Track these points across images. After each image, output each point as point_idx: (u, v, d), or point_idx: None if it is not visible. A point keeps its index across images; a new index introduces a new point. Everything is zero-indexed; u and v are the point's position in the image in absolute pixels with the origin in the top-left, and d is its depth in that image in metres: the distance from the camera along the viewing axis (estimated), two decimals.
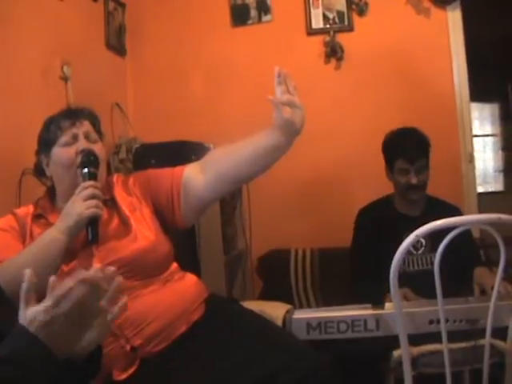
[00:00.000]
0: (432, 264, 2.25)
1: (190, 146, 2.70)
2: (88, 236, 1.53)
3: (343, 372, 1.82)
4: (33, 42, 2.45)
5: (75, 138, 1.66)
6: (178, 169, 1.75)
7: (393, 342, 1.62)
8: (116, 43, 3.27)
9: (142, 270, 1.58)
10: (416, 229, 1.52)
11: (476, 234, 2.78)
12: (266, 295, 3.03)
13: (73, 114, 1.71)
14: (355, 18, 3.25)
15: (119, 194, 1.72)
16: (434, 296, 1.54)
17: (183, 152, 2.53)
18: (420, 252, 2.33)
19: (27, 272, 1.06)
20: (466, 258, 2.28)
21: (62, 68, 2.63)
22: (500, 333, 1.63)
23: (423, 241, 2.32)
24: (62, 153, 1.65)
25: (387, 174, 2.44)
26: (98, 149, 1.68)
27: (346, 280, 2.46)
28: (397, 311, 1.56)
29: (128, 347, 1.48)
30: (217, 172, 1.69)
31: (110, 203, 1.69)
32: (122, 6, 3.33)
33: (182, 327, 1.56)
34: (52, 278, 1.06)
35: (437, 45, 3.19)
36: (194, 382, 1.44)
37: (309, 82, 2.95)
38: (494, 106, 6.39)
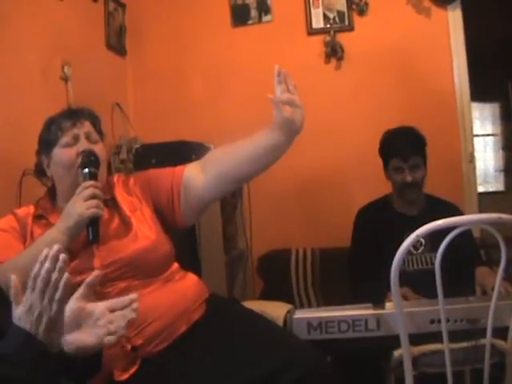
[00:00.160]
0: (431, 263, 2.26)
1: (191, 146, 2.70)
2: (89, 236, 1.53)
3: (344, 371, 1.83)
4: (33, 42, 2.45)
5: (76, 138, 1.66)
6: (178, 168, 1.75)
7: (393, 341, 1.62)
8: (116, 43, 3.27)
9: (143, 270, 1.58)
10: (415, 228, 1.52)
11: (477, 233, 2.78)
12: (267, 295, 3.03)
13: (73, 115, 1.71)
14: (355, 17, 3.25)
15: (120, 193, 1.72)
16: (434, 296, 1.54)
17: (183, 152, 2.53)
18: (419, 251, 2.33)
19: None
20: (466, 258, 2.27)
21: (63, 68, 2.63)
22: (501, 332, 1.63)
23: (423, 240, 2.31)
24: (63, 153, 1.65)
25: (385, 173, 2.45)
26: (99, 149, 1.69)
27: (346, 280, 2.46)
28: (397, 311, 1.56)
29: (129, 347, 1.48)
30: (217, 171, 1.69)
31: (111, 203, 1.69)
32: (122, 6, 3.33)
33: (183, 327, 1.56)
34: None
35: (437, 44, 3.18)
36: (194, 381, 1.44)
37: (309, 81, 2.95)
38: (494, 105, 6.39)
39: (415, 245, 2.29)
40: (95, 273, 1.20)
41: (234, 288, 3.19)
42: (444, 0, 3.17)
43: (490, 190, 6.26)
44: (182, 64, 3.42)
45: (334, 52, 3.24)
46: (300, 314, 1.73)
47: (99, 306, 1.16)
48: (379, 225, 2.38)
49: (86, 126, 1.69)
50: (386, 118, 2.89)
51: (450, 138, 3.19)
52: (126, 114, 3.26)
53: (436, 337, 1.62)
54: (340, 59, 3.25)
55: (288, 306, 2.37)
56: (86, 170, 1.60)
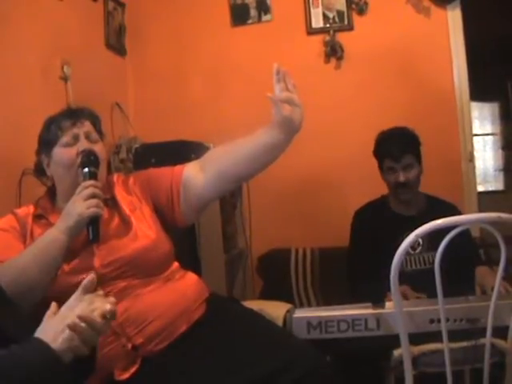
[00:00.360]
0: (429, 263, 2.27)
1: (190, 146, 2.70)
2: (89, 235, 1.53)
3: (344, 371, 1.83)
4: (33, 42, 2.45)
5: (76, 138, 1.66)
6: (177, 168, 1.75)
7: (393, 341, 1.62)
8: (116, 43, 3.27)
9: (143, 269, 1.58)
10: (412, 228, 1.52)
11: (476, 233, 2.78)
12: (267, 294, 3.03)
13: (73, 114, 1.71)
14: (355, 17, 3.25)
15: (119, 193, 1.72)
16: (433, 295, 1.54)
17: (183, 152, 2.53)
18: (417, 251, 2.33)
19: (53, 305, 1.14)
20: (465, 258, 2.27)
21: (62, 68, 2.63)
22: (500, 332, 1.63)
23: (420, 240, 2.31)
24: (63, 153, 1.65)
25: (380, 174, 2.45)
26: (99, 149, 1.68)
27: (346, 279, 2.46)
28: (397, 310, 1.56)
29: (129, 346, 1.49)
30: (216, 170, 1.69)
31: (111, 202, 1.69)
32: (122, 5, 3.33)
33: (183, 326, 1.56)
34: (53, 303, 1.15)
35: (437, 44, 3.18)
36: (194, 381, 1.44)
37: (309, 81, 2.95)
38: (494, 105, 6.40)
39: (413, 245, 2.29)
40: (90, 276, 1.20)
41: (233, 287, 3.19)
42: (443, 0, 3.17)
43: (490, 189, 6.27)
44: (181, 63, 3.42)
45: (333, 51, 3.24)
46: (300, 314, 1.73)
47: (79, 308, 1.13)
48: (377, 225, 2.38)
49: (86, 126, 1.69)
50: (385, 117, 2.89)
51: (450, 137, 3.19)
52: (126, 113, 3.25)
53: (436, 336, 1.62)
54: (339, 59, 3.25)
55: (288, 306, 2.37)
56: (86, 170, 1.60)
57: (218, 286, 2.62)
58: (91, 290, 1.19)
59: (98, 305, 1.12)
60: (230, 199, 3.12)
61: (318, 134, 3.00)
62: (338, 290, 2.50)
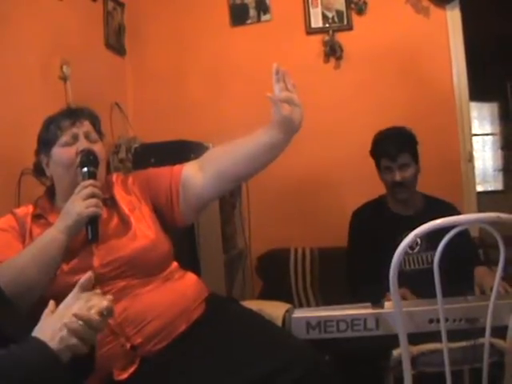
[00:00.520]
0: (428, 263, 2.27)
1: (190, 146, 2.70)
2: (88, 235, 1.53)
3: (343, 371, 1.82)
4: (32, 41, 2.45)
5: (75, 137, 1.66)
6: (176, 167, 1.75)
7: (392, 341, 1.62)
8: (115, 43, 3.27)
9: (142, 269, 1.58)
10: (410, 228, 1.52)
11: (475, 233, 2.78)
12: (266, 294, 3.02)
13: (73, 114, 1.71)
14: (354, 17, 3.25)
15: (119, 193, 1.72)
16: (431, 295, 1.54)
17: (183, 152, 2.53)
18: (415, 251, 2.33)
19: (51, 303, 1.14)
20: (463, 258, 2.27)
21: (62, 68, 2.63)
22: (500, 332, 1.63)
23: (418, 240, 2.31)
24: (63, 153, 1.65)
25: (378, 174, 2.45)
26: (98, 149, 1.68)
27: (345, 279, 2.46)
28: (396, 310, 1.56)
29: (128, 346, 1.49)
30: (216, 170, 1.69)
31: (110, 202, 1.69)
32: (121, 5, 3.33)
33: (182, 326, 1.56)
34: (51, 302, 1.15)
35: (436, 44, 3.19)
36: (193, 381, 1.44)
37: (308, 81, 2.95)
38: (493, 105, 6.39)
39: (411, 244, 2.29)
40: (87, 275, 1.20)
41: (233, 287, 3.19)
42: (442, 0, 3.17)
43: (489, 189, 6.27)
44: (180, 63, 3.42)
45: (332, 51, 3.24)
46: (299, 314, 1.73)
47: (76, 306, 1.13)
48: (375, 225, 2.38)
49: (86, 126, 1.69)
50: (384, 117, 2.88)
51: (449, 137, 3.19)
52: (125, 113, 3.25)
53: (435, 336, 1.62)
54: (339, 59, 3.26)
55: (287, 306, 2.37)
56: (85, 170, 1.60)
57: (218, 286, 2.62)
58: (89, 288, 1.19)
59: (95, 302, 1.12)
60: (229, 199, 3.12)
61: (317, 133, 3.00)
62: (337, 290, 2.50)
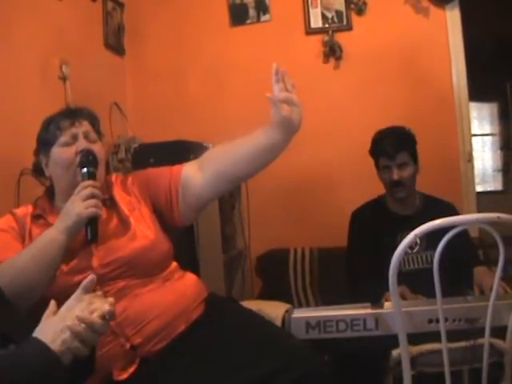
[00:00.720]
0: (427, 263, 2.27)
1: (189, 146, 2.70)
2: (87, 235, 1.53)
3: (342, 371, 1.83)
4: (31, 41, 2.44)
5: (74, 137, 1.66)
6: (176, 167, 1.75)
7: (392, 341, 1.63)
8: (115, 43, 3.27)
9: (142, 269, 1.58)
10: (409, 228, 1.52)
11: (475, 233, 2.79)
12: (265, 294, 3.03)
13: (72, 114, 1.70)
14: (354, 17, 3.25)
15: (118, 193, 1.72)
16: (431, 295, 1.54)
17: (182, 152, 2.53)
18: (415, 251, 2.33)
19: (52, 303, 1.14)
20: (463, 258, 2.28)
21: (61, 67, 2.63)
22: (499, 332, 1.63)
23: (418, 240, 2.31)
24: (62, 153, 1.64)
25: (377, 173, 2.45)
26: (98, 149, 1.68)
27: (344, 279, 2.46)
28: (396, 310, 1.56)
29: (128, 346, 1.48)
30: (215, 170, 1.69)
31: (109, 203, 1.69)
32: (121, 5, 3.33)
33: (182, 326, 1.56)
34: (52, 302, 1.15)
35: (436, 44, 3.19)
36: (193, 381, 1.44)
37: (307, 81, 2.96)
38: (492, 105, 6.39)
39: (411, 244, 2.29)
40: (90, 277, 1.20)
41: (232, 287, 3.19)
42: (442, 0, 3.17)
43: (488, 189, 6.27)
44: (180, 63, 3.42)
45: (332, 52, 3.24)
46: (298, 314, 1.73)
47: (77, 309, 1.13)
48: (374, 225, 2.38)
49: (85, 126, 1.69)
50: (384, 117, 2.89)
51: (449, 137, 3.19)
52: (125, 113, 3.25)
53: (434, 336, 1.62)
54: (338, 59, 3.26)
55: (286, 306, 2.37)
56: (85, 170, 1.60)
57: (217, 286, 2.62)
58: (91, 290, 1.19)
59: (98, 305, 1.12)
60: (228, 199, 3.12)
61: (316, 133, 3.00)
62: (336, 290, 2.50)
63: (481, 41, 4.30)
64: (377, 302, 1.74)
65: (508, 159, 6.36)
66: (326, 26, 3.26)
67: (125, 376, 1.47)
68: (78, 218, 1.50)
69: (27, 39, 2.41)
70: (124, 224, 1.64)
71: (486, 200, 4.24)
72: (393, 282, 1.52)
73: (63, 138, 1.65)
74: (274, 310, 2.26)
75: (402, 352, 1.59)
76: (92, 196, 1.53)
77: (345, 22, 3.25)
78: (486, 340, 1.58)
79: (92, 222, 1.53)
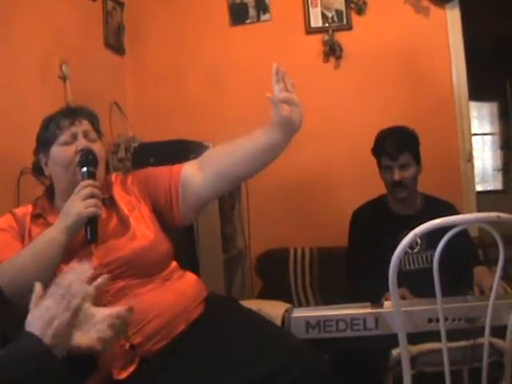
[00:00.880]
0: (428, 262, 2.27)
1: (189, 145, 2.70)
2: (87, 235, 1.53)
3: (342, 371, 1.83)
4: (31, 40, 2.44)
5: (74, 137, 1.65)
6: (176, 167, 1.74)
7: (392, 340, 1.63)
8: (115, 42, 3.27)
9: (141, 269, 1.58)
10: (410, 227, 1.52)
11: (475, 232, 2.79)
12: (265, 294, 3.03)
13: (72, 113, 1.70)
14: (354, 16, 3.25)
15: (118, 193, 1.72)
16: (432, 295, 1.54)
17: (182, 151, 2.53)
18: (416, 251, 2.33)
19: (37, 285, 1.13)
20: (463, 257, 2.28)
21: (61, 67, 2.63)
22: (499, 331, 1.63)
23: (418, 240, 2.31)
24: (61, 152, 1.64)
25: (379, 173, 2.45)
26: (97, 148, 1.68)
27: (344, 279, 2.46)
28: (396, 310, 1.56)
29: (127, 345, 1.48)
30: (215, 170, 1.69)
31: (109, 202, 1.69)
32: (121, 5, 3.33)
33: (182, 326, 1.56)
34: (37, 284, 1.13)
35: (436, 44, 3.19)
36: (193, 380, 1.44)
37: (308, 80, 2.96)
38: (492, 104, 6.39)
39: (411, 244, 2.29)
40: (104, 276, 1.22)
41: (232, 287, 3.19)
42: None
43: (488, 188, 6.27)
44: (180, 63, 3.42)
45: (332, 51, 3.24)
46: (298, 313, 1.73)
47: (102, 311, 1.17)
48: (375, 225, 2.38)
49: (85, 125, 1.69)
50: (384, 117, 2.89)
51: (449, 136, 3.19)
52: (125, 112, 3.25)
53: (434, 336, 1.62)
54: (338, 58, 3.26)
55: (286, 305, 2.37)
56: (85, 169, 1.60)
57: (217, 285, 2.62)
58: (104, 289, 1.23)
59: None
60: (228, 199, 3.12)
61: (316, 133, 3.00)
62: (336, 290, 2.51)
63: (481, 40, 4.30)
64: (377, 301, 1.74)
65: (508, 158, 6.36)
66: (326, 25, 3.26)
67: (124, 375, 1.47)
68: (78, 217, 1.50)
69: (27, 39, 2.41)
70: (124, 224, 1.64)
71: (486, 199, 4.23)
72: (393, 282, 1.52)
73: (63, 137, 1.65)
74: (273, 310, 2.26)
75: (402, 351, 1.59)
76: (92, 195, 1.53)
77: (345, 22, 3.25)
78: (485, 339, 1.58)
79: (92, 221, 1.53)
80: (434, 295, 1.53)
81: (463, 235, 2.11)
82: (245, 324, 1.60)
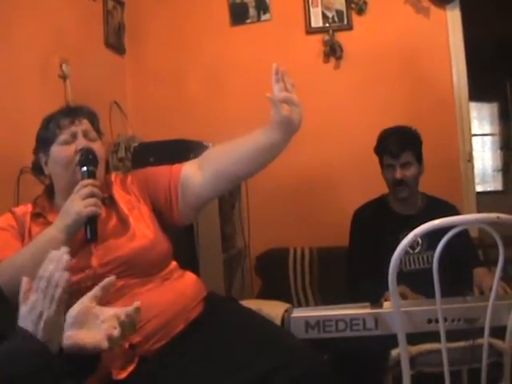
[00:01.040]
0: (428, 263, 2.27)
1: (189, 145, 2.70)
2: (87, 234, 1.53)
3: (341, 371, 1.83)
4: (31, 40, 2.44)
5: (74, 136, 1.65)
6: (175, 167, 1.74)
7: (391, 340, 1.63)
8: (115, 42, 3.27)
9: (141, 269, 1.58)
10: (411, 228, 1.52)
11: (475, 233, 2.79)
12: (265, 294, 3.03)
13: (72, 113, 1.70)
14: (354, 16, 3.25)
15: (118, 192, 1.72)
16: (432, 295, 1.54)
17: (182, 151, 2.53)
18: (416, 251, 2.33)
19: (24, 280, 1.13)
20: (463, 258, 2.28)
21: (61, 66, 2.63)
22: (498, 332, 1.63)
23: (419, 240, 2.32)
24: (61, 151, 1.64)
25: (381, 172, 2.46)
26: (97, 147, 1.68)
27: (344, 279, 2.46)
28: (395, 310, 1.56)
29: (127, 345, 1.48)
30: (215, 169, 1.69)
31: (109, 202, 1.69)
32: (121, 4, 3.33)
33: (181, 325, 1.56)
34: (24, 279, 1.13)
35: (436, 44, 3.19)
36: (192, 380, 1.44)
37: (308, 80, 2.96)
38: (492, 105, 6.39)
39: (412, 244, 2.29)
40: (111, 278, 1.24)
41: (232, 287, 3.19)
42: (442, 0, 3.17)
43: (488, 189, 6.28)
44: (180, 62, 3.42)
45: (332, 51, 3.24)
46: (298, 313, 1.73)
47: (107, 311, 1.18)
48: (376, 225, 2.38)
49: (84, 124, 1.69)
50: (384, 117, 2.90)
51: (449, 137, 3.19)
52: (125, 112, 3.25)
53: (434, 336, 1.62)
54: (339, 58, 3.26)
55: (286, 305, 2.37)
56: (85, 169, 1.60)
57: (217, 285, 2.62)
58: (110, 291, 1.24)
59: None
60: (228, 199, 3.12)
61: (316, 133, 3.00)
62: (336, 290, 2.50)
63: (481, 41, 4.30)
64: (376, 301, 1.74)
65: (508, 159, 6.36)
66: (327, 25, 3.26)
67: (124, 375, 1.46)
68: (78, 216, 1.50)
69: (27, 38, 2.40)
70: (123, 223, 1.64)
71: (486, 200, 4.24)
72: (392, 282, 1.52)
73: (63, 137, 1.65)
74: (273, 310, 2.25)
75: (402, 352, 1.59)
76: (92, 195, 1.53)
77: (345, 22, 3.25)
78: (485, 340, 1.58)
79: (91, 220, 1.53)
80: (434, 295, 1.53)
81: (463, 236, 2.11)
82: (244, 324, 1.60)
